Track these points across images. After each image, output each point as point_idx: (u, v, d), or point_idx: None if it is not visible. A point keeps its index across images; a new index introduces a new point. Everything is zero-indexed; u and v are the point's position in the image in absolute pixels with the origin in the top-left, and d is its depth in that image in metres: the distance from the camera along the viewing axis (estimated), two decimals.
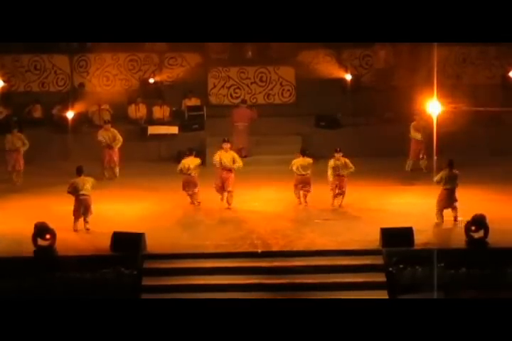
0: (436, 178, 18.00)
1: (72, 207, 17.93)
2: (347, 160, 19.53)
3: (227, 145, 19.79)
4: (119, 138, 22.70)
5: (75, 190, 17.75)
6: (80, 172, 17.97)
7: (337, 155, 19.49)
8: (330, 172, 19.43)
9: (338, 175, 19.41)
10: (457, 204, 17.86)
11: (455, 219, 17.80)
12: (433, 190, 18.27)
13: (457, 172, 17.94)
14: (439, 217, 17.81)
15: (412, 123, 22.87)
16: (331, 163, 19.47)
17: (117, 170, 22.78)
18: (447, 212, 17.88)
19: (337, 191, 19.45)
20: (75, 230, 17.62)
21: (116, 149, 22.70)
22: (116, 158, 22.70)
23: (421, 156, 22.49)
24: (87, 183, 17.80)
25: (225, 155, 19.65)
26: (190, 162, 19.60)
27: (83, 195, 17.74)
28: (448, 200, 17.81)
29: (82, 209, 17.72)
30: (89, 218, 17.80)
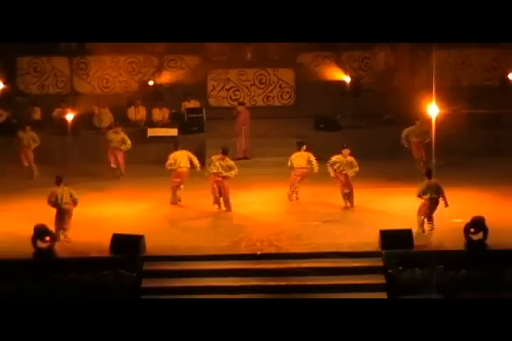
0: (417, 193, 17.37)
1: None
2: (353, 159, 19.44)
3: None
4: (129, 142, 23.00)
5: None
6: (59, 182, 17.57)
7: (344, 151, 19.40)
8: (330, 169, 19.36)
9: (341, 173, 19.34)
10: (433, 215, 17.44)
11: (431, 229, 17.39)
12: None
13: (435, 181, 17.44)
14: (420, 227, 17.30)
15: (412, 128, 22.78)
16: (333, 158, 19.40)
17: (123, 168, 23.01)
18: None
19: (345, 190, 19.34)
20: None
21: (122, 152, 22.97)
22: (120, 159, 22.93)
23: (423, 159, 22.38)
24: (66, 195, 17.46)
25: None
26: None
27: (66, 203, 17.48)
28: (431, 209, 17.42)
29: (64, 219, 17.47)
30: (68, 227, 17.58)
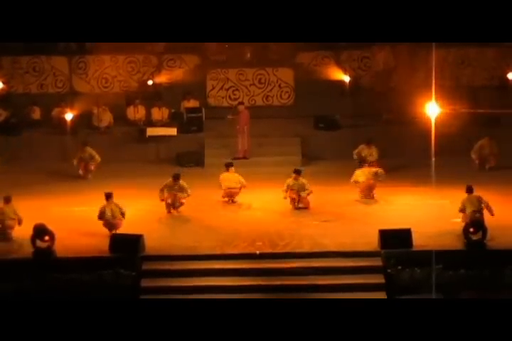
0: (460, 207, 17.64)
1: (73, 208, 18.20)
2: (305, 181, 19.60)
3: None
4: (97, 157, 22.98)
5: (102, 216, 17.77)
6: (108, 197, 17.90)
7: (294, 175, 19.61)
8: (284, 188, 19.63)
9: (296, 193, 19.52)
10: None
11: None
12: (432, 191, 18.26)
13: (478, 195, 17.69)
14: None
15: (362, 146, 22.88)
16: (285, 183, 19.58)
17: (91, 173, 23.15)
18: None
19: (296, 204, 19.54)
20: None
21: (93, 165, 23.05)
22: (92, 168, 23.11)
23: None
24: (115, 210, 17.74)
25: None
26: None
27: (114, 218, 17.70)
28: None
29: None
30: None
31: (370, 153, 22.64)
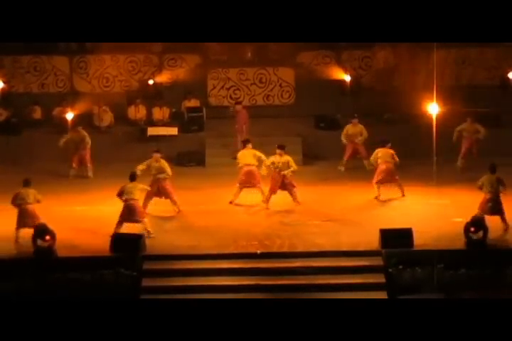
0: (478, 183, 17.55)
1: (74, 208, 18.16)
2: (289, 158, 19.45)
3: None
4: (88, 140, 23.04)
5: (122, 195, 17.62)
6: (132, 178, 17.78)
7: (278, 151, 19.44)
8: (264, 168, 19.45)
9: (279, 173, 19.32)
10: (504, 211, 17.35)
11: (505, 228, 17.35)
12: (433, 191, 18.27)
13: (499, 176, 17.56)
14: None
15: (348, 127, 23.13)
16: (269, 159, 19.41)
17: (90, 169, 23.08)
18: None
19: (277, 189, 19.33)
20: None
21: (85, 151, 23.04)
22: (86, 158, 23.05)
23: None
24: (135, 189, 17.63)
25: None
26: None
27: (132, 199, 17.58)
28: (490, 206, 17.38)
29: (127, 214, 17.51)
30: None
31: (359, 131, 22.63)
